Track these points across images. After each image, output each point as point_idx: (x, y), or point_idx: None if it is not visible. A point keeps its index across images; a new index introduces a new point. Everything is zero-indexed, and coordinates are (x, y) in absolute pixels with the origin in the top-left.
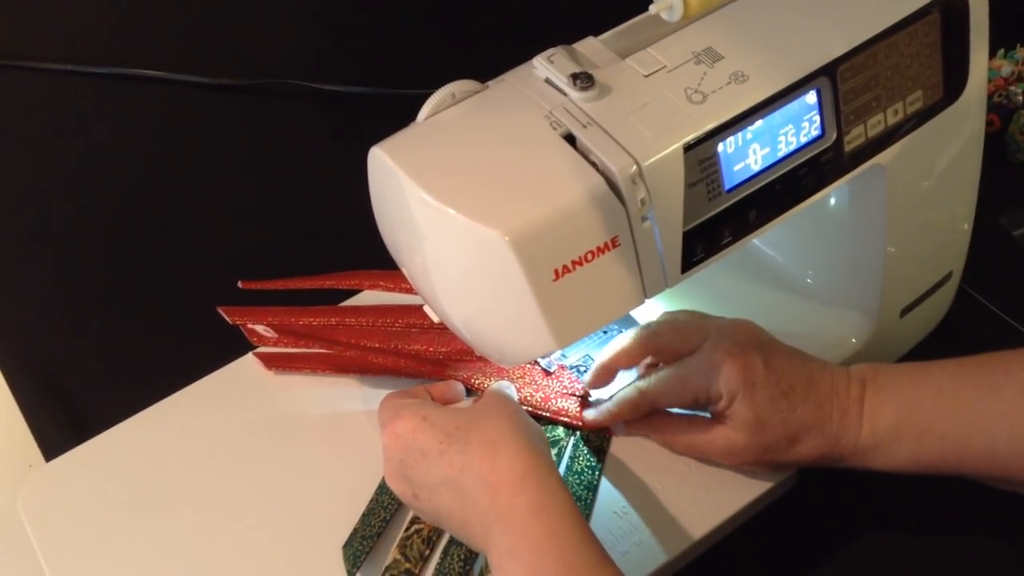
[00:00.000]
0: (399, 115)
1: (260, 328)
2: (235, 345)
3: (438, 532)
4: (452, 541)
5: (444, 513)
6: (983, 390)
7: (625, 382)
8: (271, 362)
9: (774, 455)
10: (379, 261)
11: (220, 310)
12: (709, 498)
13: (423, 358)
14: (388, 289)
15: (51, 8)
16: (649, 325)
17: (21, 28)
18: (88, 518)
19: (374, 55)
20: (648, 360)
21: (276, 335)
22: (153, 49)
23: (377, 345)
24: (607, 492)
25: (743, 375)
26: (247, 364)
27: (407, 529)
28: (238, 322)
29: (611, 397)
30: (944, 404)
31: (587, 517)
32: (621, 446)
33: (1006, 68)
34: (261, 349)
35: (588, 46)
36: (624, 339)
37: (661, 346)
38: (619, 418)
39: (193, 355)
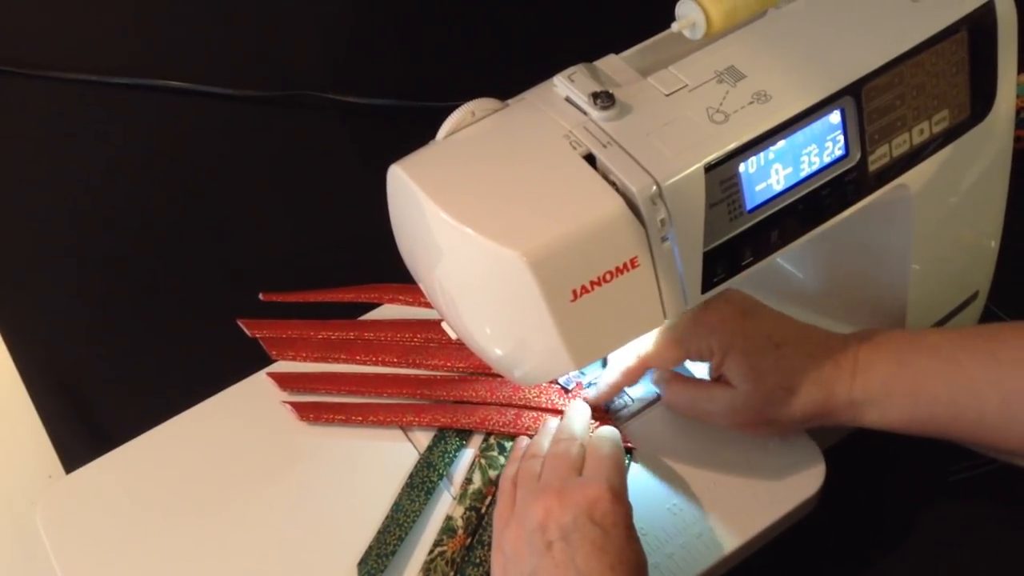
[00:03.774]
0: (422, 128)
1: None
2: (255, 358)
3: (462, 554)
4: (470, 563)
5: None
6: (978, 355)
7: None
8: (303, 412)
9: (773, 409)
10: (399, 274)
11: (240, 322)
12: (729, 519)
13: (455, 407)
14: (407, 303)
15: (77, 19)
16: None
17: (47, 39)
18: (106, 530)
19: (398, 68)
20: None
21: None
22: (178, 60)
23: (395, 360)
24: None
25: (733, 328)
26: (266, 377)
27: (431, 552)
28: (258, 335)
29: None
30: (938, 366)
31: None
32: (642, 463)
33: None
34: (276, 368)
35: (610, 64)
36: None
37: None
38: (620, 386)
39: (213, 368)
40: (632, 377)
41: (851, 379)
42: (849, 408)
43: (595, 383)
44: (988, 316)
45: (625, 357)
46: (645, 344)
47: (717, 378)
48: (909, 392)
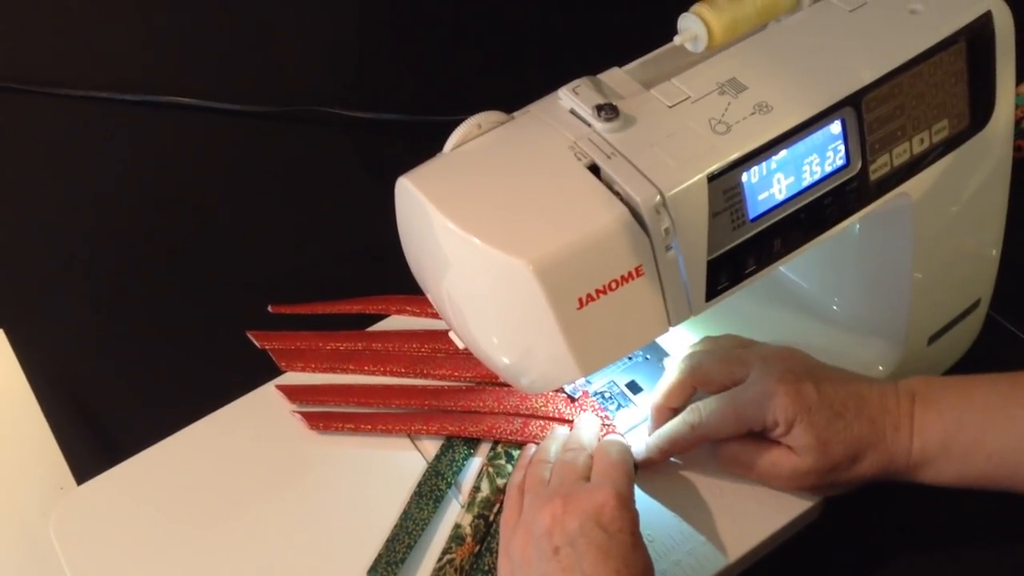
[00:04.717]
0: (427, 142)
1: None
2: (264, 369)
3: (471, 561)
4: (478, 570)
5: None
6: None
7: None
8: (313, 421)
9: (837, 476)
10: (406, 286)
11: (250, 334)
12: (735, 526)
13: (462, 416)
14: (415, 314)
15: (84, 36)
16: (692, 356)
17: (55, 56)
18: (119, 541)
19: (402, 83)
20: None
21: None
22: (184, 76)
23: (403, 370)
24: None
25: (798, 401)
26: (275, 389)
27: (440, 559)
28: (267, 346)
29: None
30: (991, 422)
31: None
32: (649, 470)
33: None
34: (284, 380)
35: (613, 77)
36: (671, 376)
37: (707, 379)
38: (669, 455)
39: (223, 379)
40: (683, 448)
41: (909, 442)
42: (906, 470)
43: (602, 392)
44: (990, 324)
45: (676, 425)
46: (700, 415)
47: (773, 440)
48: (963, 451)
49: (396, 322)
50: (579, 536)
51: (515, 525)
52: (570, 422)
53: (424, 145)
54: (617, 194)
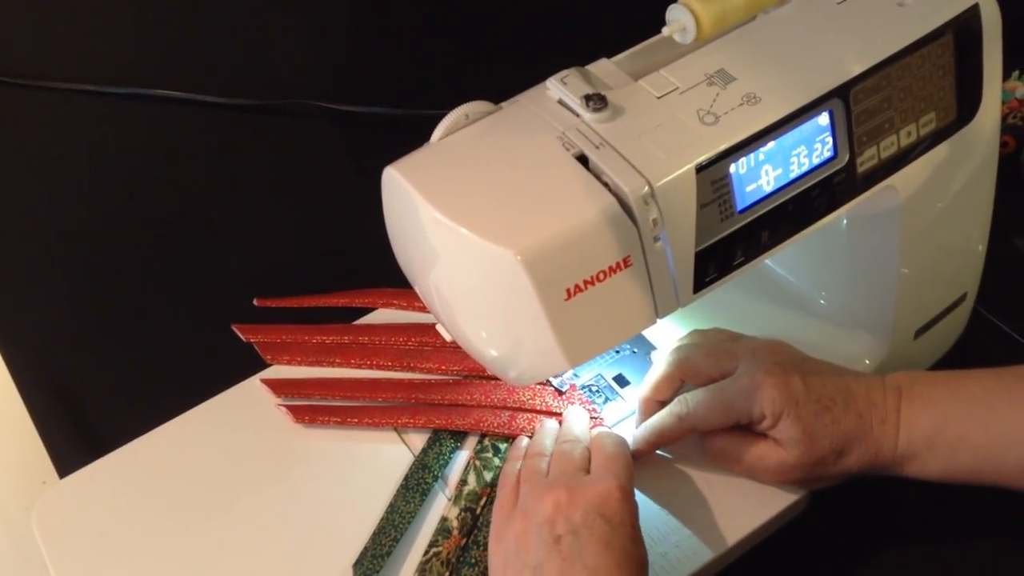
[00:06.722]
0: (415, 135)
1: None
2: (249, 363)
3: (457, 554)
4: (465, 563)
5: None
6: (1016, 403)
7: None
8: (299, 414)
9: (823, 469)
10: (393, 280)
11: (235, 327)
12: (723, 518)
13: (449, 409)
14: (402, 307)
15: (70, 29)
16: (680, 349)
17: (41, 48)
18: (101, 535)
19: (390, 76)
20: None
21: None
22: (172, 69)
23: (390, 363)
24: None
25: (786, 394)
26: (260, 382)
27: (426, 552)
28: (252, 340)
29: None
30: (977, 416)
31: None
32: (636, 463)
33: (1020, 90)
34: (270, 373)
35: (601, 68)
36: (658, 368)
37: (695, 371)
38: (657, 447)
39: (208, 373)
40: (670, 439)
41: (895, 437)
42: (892, 464)
43: (589, 385)
44: (976, 318)
45: (664, 417)
46: (687, 407)
47: (760, 432)
48: (949, 446)
49: (383, 315)
50: (582, 527)
51: (511, 512)
52: (558, 415)
53: (412, 138)
54: (605, 184)
